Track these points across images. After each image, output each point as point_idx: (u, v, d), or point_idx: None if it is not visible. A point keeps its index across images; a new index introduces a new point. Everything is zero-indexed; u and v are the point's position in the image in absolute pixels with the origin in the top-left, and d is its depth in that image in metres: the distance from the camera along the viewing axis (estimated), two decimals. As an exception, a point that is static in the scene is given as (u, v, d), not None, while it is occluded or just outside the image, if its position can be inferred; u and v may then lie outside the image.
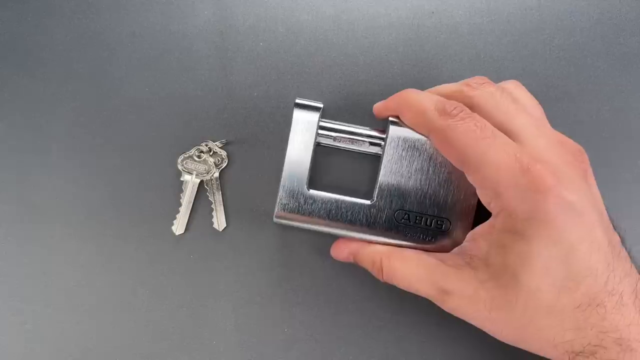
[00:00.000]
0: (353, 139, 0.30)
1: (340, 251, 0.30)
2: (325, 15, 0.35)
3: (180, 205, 0.32)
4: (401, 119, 0.29)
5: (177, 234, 0.32)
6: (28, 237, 0.32)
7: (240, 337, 0.31)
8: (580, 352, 0.24)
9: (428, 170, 0.29)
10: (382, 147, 0.30)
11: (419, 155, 0.29)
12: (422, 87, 0.34)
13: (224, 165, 0.33)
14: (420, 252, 0.28)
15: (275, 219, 0.29)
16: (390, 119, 0.30)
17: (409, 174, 0.29)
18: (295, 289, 0.32)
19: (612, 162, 0.33)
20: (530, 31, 0.35)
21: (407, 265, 0.27)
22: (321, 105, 0.30)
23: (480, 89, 0.28)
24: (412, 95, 0.28)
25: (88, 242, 0.32)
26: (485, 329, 0.26)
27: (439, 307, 0.30)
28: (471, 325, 0.30)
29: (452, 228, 0.29)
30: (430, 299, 0.27)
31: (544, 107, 0.31)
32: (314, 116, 0.29)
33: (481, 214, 0.29)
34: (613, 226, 0.26)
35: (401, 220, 0.29)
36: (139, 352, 0.31)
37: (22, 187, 0.32)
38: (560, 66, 0.34)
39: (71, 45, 0.34)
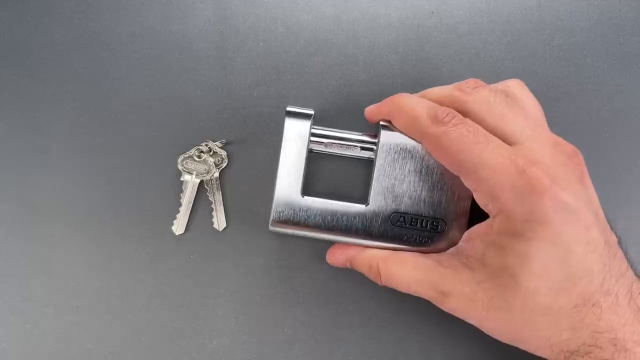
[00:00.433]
0: (345, 144, 0.31)
1: (336, 258, 0.30)
2: (325, 15, 0.35)
3: (180, 205, 0.32)
4: (393, 124, 0.29)
5: (177, 234, 0.32)
6: (28, 237, 0.32)
7: (240, 337, 0.31)
8: (575, 352, 0.24)
9: (421, 172, 0.29)
10: (375, 152, 0.30)
11: (412, 158, 0.29)
12: (422, 87, 0.34)
13: (224, 165, 0.33)
14: (416, 254, 0.28)
15: (270, 228, 0.29)
16: (382, 123, 0.30)
17: (403, 177, 0.29)
18: (295, 289, 0.32)
19: (612, 162, 0.33)
20: (530, 31, 0.35)
21: (404, 269, 0.27)
22: (312, 112, 0.30)
23: (473, 93, 0.27)
24: (405, 101, 0.28)
25: (88, 242, 0.32)
26: (483, 329, 0.26)
27: (439, 307, 0.30)
28: (471, 325, 0.30)
29: (448, 229, 0.29)
30: (429, 299, 0.27)
31: (544, 107, 0.31)
32: (306, 124, 0.30)
33: (476, 214, 0.29)
34: (610, 227, 0.26)
35: (397, 222, 0.29)
36: (139, 352, 0.31)
37: (22, 187, 0.32)
38: (560, 66, 0.34)
39: (71, 45, 0.34)
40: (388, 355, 0.31)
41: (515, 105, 0.27)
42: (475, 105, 0.27)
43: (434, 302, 0.27)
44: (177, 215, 0.32)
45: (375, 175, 0.29)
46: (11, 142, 0.33)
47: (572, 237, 0.24)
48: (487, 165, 0.25)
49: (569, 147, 0.27)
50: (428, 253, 0.29)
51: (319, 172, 0.33)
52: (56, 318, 0.31)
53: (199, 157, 0.33)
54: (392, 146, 0.29)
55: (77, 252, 0.32)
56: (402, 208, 0.29)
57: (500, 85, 0.29)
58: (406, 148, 0.29)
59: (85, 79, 0.34)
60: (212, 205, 0.32)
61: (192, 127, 0.33)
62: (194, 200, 0.32)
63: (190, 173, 0.33)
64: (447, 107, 0.27)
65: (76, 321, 0.31)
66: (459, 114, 0.26)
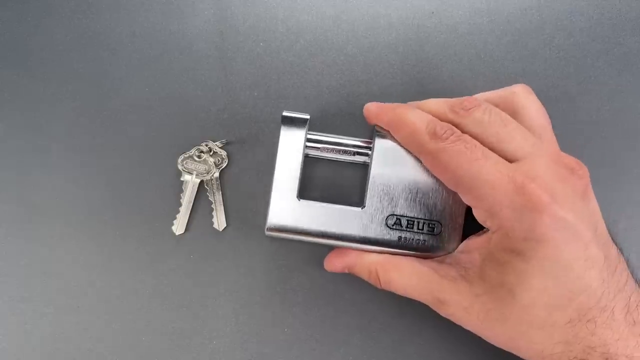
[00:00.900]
0: (340, 149, 0.31)
1: (334, 265, 0.30)
2: (325, 15, 0.35)
3: (180, 205, 0.32)
4: (392, 135, 0.29)
5: (177, 234, 0.32)
6: (28, 237, 0.32)
7: (240, 337, 0.31)
8: None
9: (416, 175, 0.29)
10: (370, 156, 0.30)
11: (407, 161, 0.29)
12: (422, 87, 0.34)
13: (224, 165, 0.33)
14: (415, 260, 0.28)
15: (267, 233, 0.29)
16: (377, 129, 0.30)
17: (398, 180, 0.29)
18: (295, 289, 0.32)
19: (612, 162, 0.33)
20: (530, 31, 0.35)
21: (402, 276, 0.28)
22: (308, 117, 0.30)
23: (466, 116, 0.27)
24: (405, 114, 0.28)
25: (88, 242, 0.32)
26: (479, 335, 0.27)
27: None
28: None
29: (444, 231, 0.29)
30: (426, 304, 0.27)
31: (544, 107, 0.31)
32: (302, 129, 0.30)
33: (472, 217, 0.29)
34: (611, 237, 0.26)
35: (393, 225, 0.29)
36: (139, 352, 0.31)
37: (22, 187, 0.32)
38: (560, 66, 0.34)
39: (71, 45, 0.34)
40: (387, 357, 0.31)
41: (512, 122, 0.27)
42: (468, 129, 0.27)
43: (431, 307, 0.27)
44: (177, 215, 0.32)
45: (371, 178, 0.29)
46: (11, 142, 0.33)
47: (571, 255, 0.24)
48: (485, 182, 0.25)
49: (572, 161, 0.26)
50: (425, 254, 0.29)
51: (315, 176, 0.33)
52: (56, 318, 0.31)
53: (199, 157, 0.33)
54: (387, 150, 0.30)
55: (77, 252, 0.32)
56: (398, 211, 0.29)
57: (502, 92, 0.29)
58: (401, 152, 0.29)
59: (85, 79, 0.34)
60: (212, 205, 0.32)
61: (192, 127, 0.33)
62: (194, 200, 0.32)
63: (190, 173, 0.33)
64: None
65: (76, 321, 0.31)
66: (458, 130, 0.26)
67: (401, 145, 0.29)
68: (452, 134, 0.26)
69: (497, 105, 0.28)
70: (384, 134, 0.30)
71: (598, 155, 0.33)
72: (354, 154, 0.31)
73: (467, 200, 0.26)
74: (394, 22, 0.35)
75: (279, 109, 0.33)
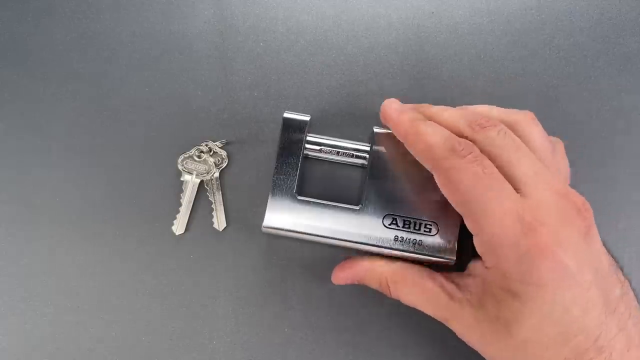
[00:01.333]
0: (339, 151, 0.31)
1: (341, 278, 0.30)
2: (325, 15, 0.35)
3: (180, 205, 0.32)
4: (406, 147, 0.28)
5: (177, 234, 0.32)
6: (28, 237, 0.32)
7: (240, 337, 0.31)
8: None
9: (414, 176, 0.30)
10: (368, 158, 0.31)
11: (405, 163, 0.30)
12: (422, 87, 0.34)
13: (224, 165, 0.33)
14: (424, 274, 0.28)
15: (263, 230, 0.30)
16: (376, 131, 0.31)
17: (395, 180, 0.30)
18: (295, 289, 0.32)
19: (612, 162, 0.33)
20: (530, 31, 0.35)
21: (411, 292, 0.28)
22: (308, 119, 0.31)
23: (481, 133, 0.27)
24: (422, 128, 0.27)
25: (88, 242, 0.32)
26: (480, 353, 0.27)
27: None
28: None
29: (440, 231, 0.29)
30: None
31: (544, 107, 0.31)
32: (301, 130, 0.30)
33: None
34: (620, 269, 0.26)
35: (390, 225, 0.29)
36: (139, 352, 0.31)
37: (22, 187, 0.32)
38: (560, 66, 0.34)
39: (71, 45, 0.34)
40: (388, 356, 0.31)
41: (521, 149, 0.26)
42: (481, 146, 0.26)
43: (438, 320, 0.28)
44: (177, 215, 0.32)
45: (369, 178, 0.30)
46: (11, 142, 0.33)
47: (569, 299, 0.24)
48: (493, 214, 0.24)
49: (579, 200, 0.25)
50: (422, 254, 0.29)
51: (314, 176, 0.33)
52: (56, 318, 0.31)
53: (199, 157, 0.33)
54: (385, 153, 0.30)
55: (77, 252, 0.32)
56: (395, 211, 0.29)
57: (508, 117, 0.28)
58: (399, 154, 0.30)
59: (85, 79, 0.34)
60: (212, 205, 0.32)
61: (192, 127, 0.33)
62: (194, 200, 0.32)
63: (190, 173, 0.33)
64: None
65: (76, 321, 0.31)
66: (477, 149, 0.26)
67: (399, 148, 0.29)
68: (470, 153, 0.25)
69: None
70: (382, 137, 0.30)
71: (598, 155, 0.33)
72: (353, 156, 0.31)
73: (468, 224, 0.26)
74: (394, 22, 0.35)
75: (279, 109, 0.33)
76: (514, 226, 0.24)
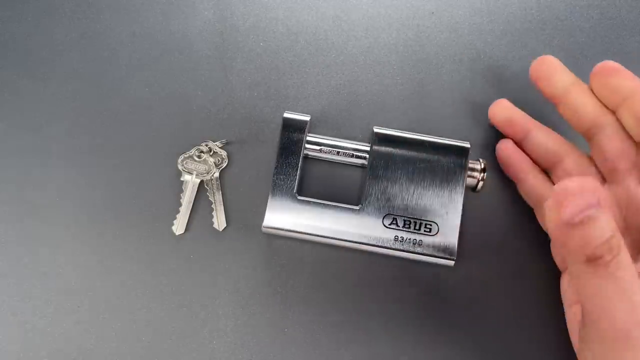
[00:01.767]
0: (339, 152, 0.31)
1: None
2: (325, 15, 0.35)
3: (180, 205, 0.32)
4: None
5: (177, 234, 0.32)
6: (28, 237, 0.32)
7: (240, 337, 0.31)
8: None
9: (413, 176, 0.30)
10: (368, 158, 0.31)
11: (404, 163, 0.30)
12: (422, 87, 0.34)
13: (224, 165, 0.33)
14: None
15: (263, 229, 0.30)
16: (375, 130, 0.31)
17: (395, 181, 0.30)
18: (295, 289, 0.32)
19: (612, 162, 0.33)
20: (530, 31, 0.35)
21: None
22: (308, 119, 0.31)
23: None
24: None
25: (88, 242, 0.32)
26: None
27: (439, 308, 0.30)
28: (472, 326, 0.30)
29: (440, 231, 0.29)
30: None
31: (544, 107, 0.31)
32: (302, 130, 0.30)
33: (468, 216, 0.29)
34: None
35: (390, 225, 0.29)
36: (139, 352, 0.31)
37: (22, 187, 0.32)
38: (560, 66, 0.34)
39: (71, 45, 0.34)
40: (388, 356, 0.31)
41: None
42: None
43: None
44: (177, 215, 0.32)
45: (369, 178, 0.30)
46: (11, 142, 0.33)
47: None
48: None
49: None
50: (424, 255, 0.29)
51: (314, 176, 0.33)
52: (56, 318, 0.31)
53: (199, 157, 0.33)
54: (385, 153, 0.30)
55: (77, 252, 0.32)
56: (395, 210, 0.29)
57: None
58: (399, 155, 0.30)
59: (85, 79, 0.34)
60: (212, 205, 0.32)
61: (192, 127, 0.33)
62: (194, 200, 0.32)
63: (190, 173, 0.33)
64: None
65: (76, 321, 0.31)
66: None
67: (399, 150, 0.29)
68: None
69: None
70: (383, 138, 0.30)
71: (598, 155, 0.33)
72: (353, 156, 0.31)
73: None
74: (394, 22, 0.35)
75: (279, 109, 0.33)
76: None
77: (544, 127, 0.30)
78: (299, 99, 0.34)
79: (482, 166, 0.30)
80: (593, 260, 0.21)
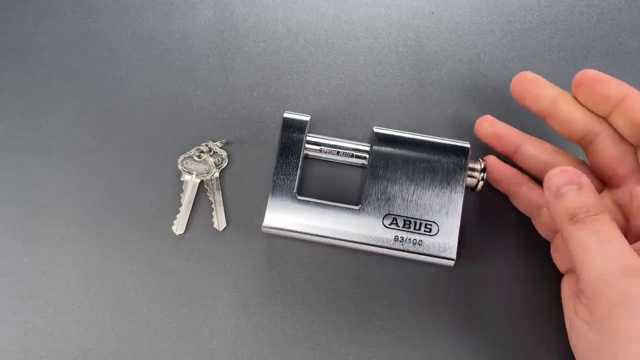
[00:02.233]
0: (339, 152, 0.31)
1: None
2: (325, 15, 0.35)
3: (180, 205, 0.32)
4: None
5: (177, 234, 0.32)
6: (28, 237, 0.32)
7: (240, 337, 0.31)
8: None
9: (413, 176, 0.29)
10: (368, 158, 0.31)
11: (404, 163, 0.30)
12: (422, 87, 0.34)
13: (224, 165, 0.33)
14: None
15: (264, 229, 0.30)
16: (375, 130, 0.30)
17: (395, 181, 0.30)
18: (295, 289, 0.32)
19: (612, 162, 0.33)
20: (530, 31, 0.35)
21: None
22: (308, 119, 0.31)
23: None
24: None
25: (88, 241, 0.32)
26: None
27: (439, 308, 0.30)
28: (472, 326, 0.30)
29: (440, 231, 0.29)
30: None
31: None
32: (302, 130, 0.30)
33: (468, 216, 0.29)
34: None
35: (390, 224, 0.29)
36: (139, 352, 0.31)
37: (22, 187, 0.32)
38: (560, 66, 0.34)
39: (71, 45, 0.34)
40: (388, 355, 0.31)
41: None
42: None
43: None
44: (177, 215, 0.32)
45: (369, 178, 0.30)
46: (11, 142, 0.33)
47: None
48: None
49: None
50: (424, 255, 0.29)
51: (314, 176, 0.33)
52: (56, 318, 0.31)
53: (199, 157, 0.33)
54: (385, 153, 0.30)
55: (77, 252, 0.32)
56: (395, 210, 0.29)
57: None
58: (399, 155, 0.30)
59: (85, 79, 0.34)
60: (212, 205, 0.32)
61: (192, 127, 0.33)
62: (194, 200, 0.32)
63: (190, 173, 0.33)
64: None
65: (76, 321, 0.31)
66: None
67: (399, 150, 0.29)
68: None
69: None
70: (383, 138, 0.30)
71: (598, 155, 0.33)
72: (353, 156, 0.31)
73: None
74: (394, 22, 0.35)
75: (279, 109, 0.33)
76: None
77: (534, 139, 0.30)
78: (299, 99, 0.34)
79: (482, 166, 0.30)
80: (574, 217, 0.24)
